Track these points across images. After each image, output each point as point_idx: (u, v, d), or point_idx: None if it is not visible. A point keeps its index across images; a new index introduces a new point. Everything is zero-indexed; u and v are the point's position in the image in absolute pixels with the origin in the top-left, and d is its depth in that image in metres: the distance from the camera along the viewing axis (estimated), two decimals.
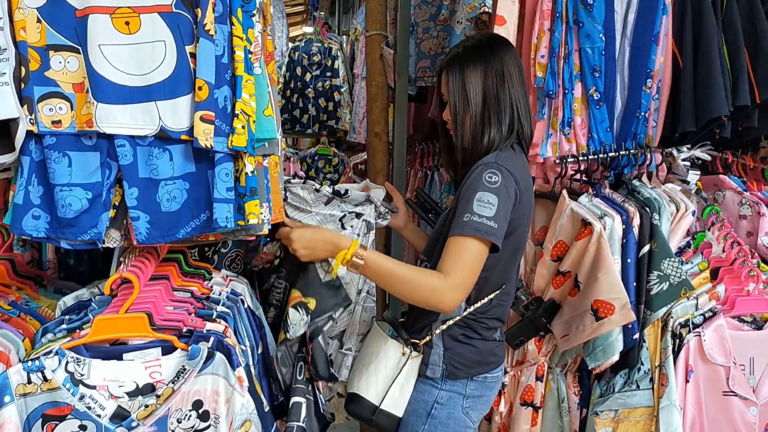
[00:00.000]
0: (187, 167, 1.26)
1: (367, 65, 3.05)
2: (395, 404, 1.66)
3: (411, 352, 1.64)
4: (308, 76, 5.21)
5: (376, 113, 3.06)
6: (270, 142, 1.36)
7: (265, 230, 1.40)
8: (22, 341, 1.33)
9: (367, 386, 1.68)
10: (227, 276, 1.72)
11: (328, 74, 5.23)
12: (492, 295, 1.60)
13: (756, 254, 1.95)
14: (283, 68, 5.27)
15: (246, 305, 1.65)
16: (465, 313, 1.60)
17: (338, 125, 5.21)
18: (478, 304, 1.60)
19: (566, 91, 2.06)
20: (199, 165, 1.26)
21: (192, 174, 1.27)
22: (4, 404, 1.14)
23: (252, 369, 1.54)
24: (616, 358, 1.81)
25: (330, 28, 5.72)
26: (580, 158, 2.08)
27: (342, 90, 5.22)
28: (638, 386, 1.82)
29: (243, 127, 1.24)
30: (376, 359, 1.70)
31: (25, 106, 1.15)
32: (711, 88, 1.95)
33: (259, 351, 1.66)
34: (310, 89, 5.21)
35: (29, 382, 1.17)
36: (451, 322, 1.62)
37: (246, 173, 1.27)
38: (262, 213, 1.29)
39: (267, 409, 1.47)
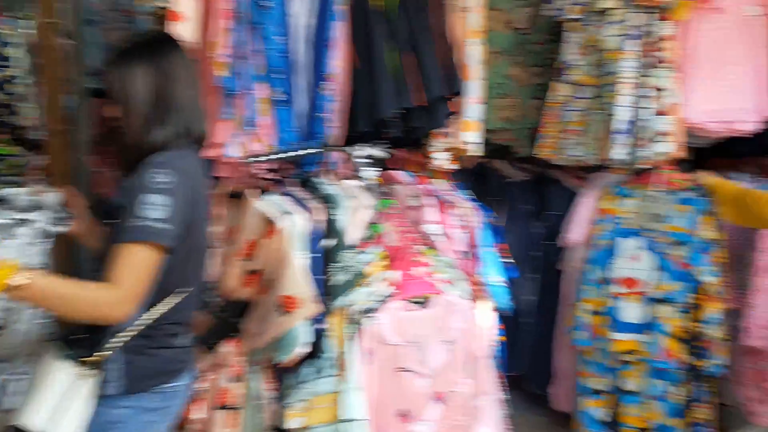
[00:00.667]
0: None
1: (42, 57, 2.77)
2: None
3: (83, 371, 1.51)
4: None
5: (55, 110, 2.79)
6: None
7: None
8: None
9: (32, 416, 1.50)
10: None
11: (3, 63, 4.63)
12: (172, 301, 1.55)
13: (422, 241, 2.18)
14: None
15: None
16: (144, 321, 1.53)
17: (19, 120, 4.64)
18: (157, 311, 1.53)
19: (250, 92, 2.08)
20: None
21: None
22: None
23: None
24: (303, 350, 1.89)
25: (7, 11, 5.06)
26: (267, 158, 2.12)
27: (21, 81, 4.65)
28: (325, 374, 1.93)
29: None
30: (44, 385, 1.53)
31: None
32: (381, 91, 2.14)
33: None
34: None
35: None
36: (131, 333, 1.53)
37: None
38: None
39: None
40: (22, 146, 4.77)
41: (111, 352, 1.51)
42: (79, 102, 2.85)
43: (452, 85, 2.25)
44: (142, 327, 1.53)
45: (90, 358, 1.51)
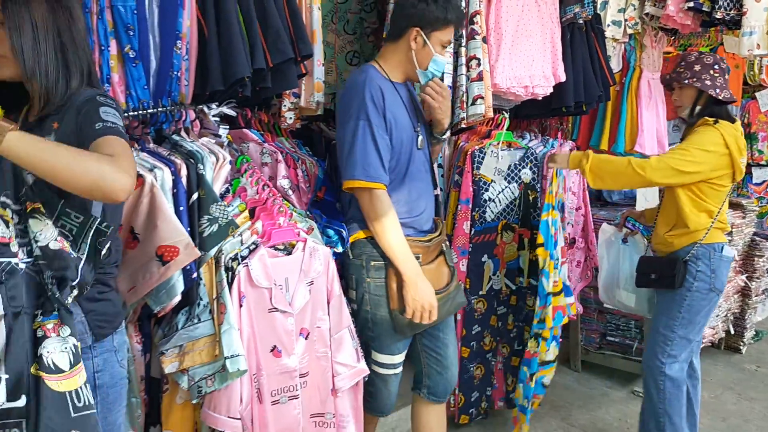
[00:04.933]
0: None
1: None
2: None
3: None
4: None
5: None
6: None
7: None
8: None
9: None
10: None
11: None
12: (109, 242, 1.56)
13: (278, 194, 2.34)
14: None
15: None
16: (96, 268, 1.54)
17: None
18: (104, 253, 1.54)
19: (102, 48, 2.07)
20: None
21: None
22: None
23: None
24: (178, 298, 1.98)
25: None
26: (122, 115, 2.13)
27: None
28: (200, 319, 2.03)
29: None
30: None
31: None
32: (234, 52, 2.23)
33: None
34: None
35: None
36: (87, 283, 1.52)
37: None
38: None
39: None
40: None
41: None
42: None
43: (302, 48, 2.41)
44: (95, 274, 1.53)
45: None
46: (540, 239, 2.95)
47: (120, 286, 2.00)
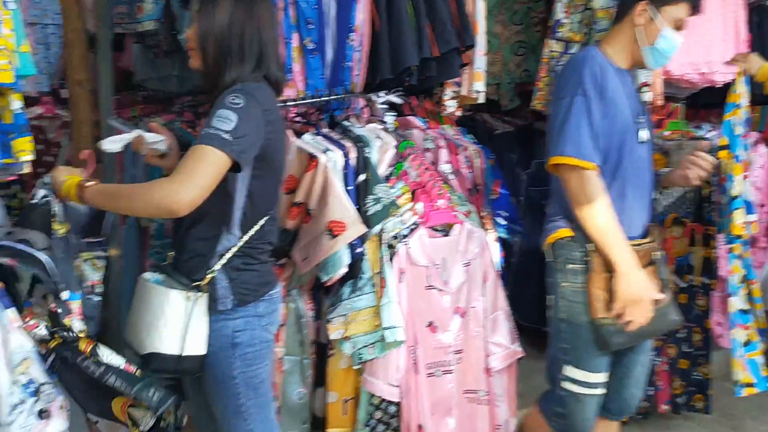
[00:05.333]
0: None
1: (63, 9, 2.90)
2: (196, 346, 1.70)
3: (195, 294, 1.68)
4: None
5: (76, 61, 2.93)
6: (28, 80, 1.33)
7: (26, 169, 1.38)
8: None
9: (160, 342, 1.69)
10: None
11: None
12: (262, 221, 1.75)
13: (439, 178, 2.44)
14: None
15: None
16: (241, 243, 1.72)
17: None
18: (252, 232, 1.73)
19: (286, 41, 2.29)
20: None
21: None
22: None
23: None
24: (344, 270, 2.14)
25: None
26: (300, 102, 2.35)
27: None
28: (363, 292, 2.19)
29: (9, 63, 1.21)
30: (160, 314, 1.70)
31: None
32: (403, 42, 2.36)
33: None
34: None
35: None
36: (229, 254, 1.72)
37: (13, 110, 1.24)
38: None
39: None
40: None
41: (216, 274, 1.71)
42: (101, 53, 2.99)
43: (465, 38, 2.48)
44: (241, 248, 1.73)
45: (198, 282, 1.70)
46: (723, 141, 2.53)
47: (295, 257, 2.21)
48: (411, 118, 2.64)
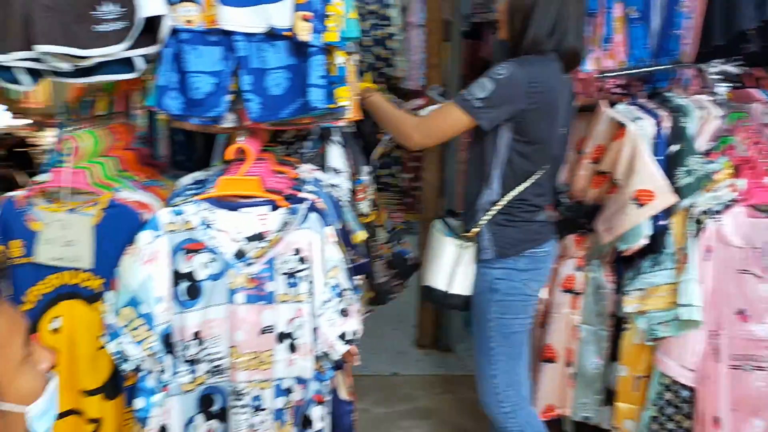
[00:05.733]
0: (289, 59, 1.58)
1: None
2: (461, 287, 2.00)
3: (464, 243, 1.97)
4: (365, 25, 5.43)
5: (432, 47, 3.34)
6: (353, 42, 1.67)
7: (348, 116, 1.73)
8: (160, 203, 1.70)
9: (434, 278, 2.03)
10: (312, 168, 2.05)
11: (384, 22, 5.43)
12: (526, 183, 1.89)
13: None
14: None
15: (325, 190, 1.98)
16: (503, 201, 1.90)
17: (394, 72, 5.43)
18: (514, 192, 1.89)
19: (607, 10, 2.29)
20: (299, 57, 1.58)
21: (293, 65, 1.59)
22: (158, 237, 1.51)
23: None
24: (644, 241, 2.08)
25: None
26: (619, 73, 2.33)
27: (396, 38, 5.42)
28: (663, 266, 2.09)
29: (335, 26, 1.55)
30: (437, 256, 2.03)
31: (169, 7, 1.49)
32: (738, 3, 2.16)
33: (339, 227, 2.00)
34: (366, 38, 5.41)
35: (173, 222, 1.53)
36: (493, 211, 1.92)
37: (336, 64, 1.58)
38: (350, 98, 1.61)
39: (348, 265, 1.80)
40: (394, 95, 5.63)
41: (481, 226, 1.93)
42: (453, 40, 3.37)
43: None
44: (503, 206, 1.91)
45: (467, 233, 1.96)
46: None
47: (597, 225, 2.23)
48: (752, 90, 2.38)
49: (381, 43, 5.34)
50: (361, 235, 2.03)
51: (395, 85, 5.65)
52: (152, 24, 1.49)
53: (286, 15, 1.54)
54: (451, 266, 2.01)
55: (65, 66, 1.48)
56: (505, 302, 1.93)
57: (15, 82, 1.52)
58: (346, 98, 1.59)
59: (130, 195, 1.62)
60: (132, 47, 1.47)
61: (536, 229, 1.97)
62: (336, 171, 2.04)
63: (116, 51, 1.47)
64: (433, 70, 3.40)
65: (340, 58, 1.58)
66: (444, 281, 2.02)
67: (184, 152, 2.17)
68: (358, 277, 2.02)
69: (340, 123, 1.82)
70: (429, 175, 3.44)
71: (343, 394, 1.83)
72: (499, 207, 1.92)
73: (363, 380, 2.96)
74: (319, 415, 1.69)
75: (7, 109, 4.16)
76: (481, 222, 1.94)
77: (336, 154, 2.04)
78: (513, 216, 1.94)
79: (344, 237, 1.99)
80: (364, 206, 2.13)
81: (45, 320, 1.60)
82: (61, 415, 1.60)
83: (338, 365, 1.77)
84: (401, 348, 3.49)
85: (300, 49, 1.57)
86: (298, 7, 1.52)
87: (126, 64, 1.52)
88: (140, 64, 1.53)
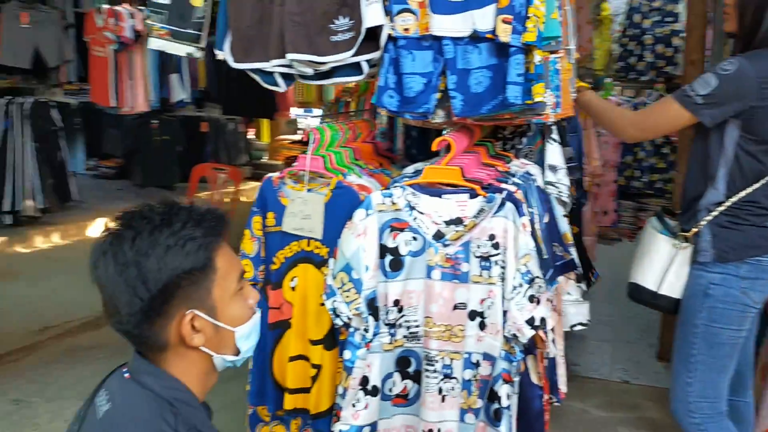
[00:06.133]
0: (490, 59, 1.73)
1: None
2: (672, 288, 1.95)
3: (680, 243, 1.91)
4: (647, 23, 5.23)
5: (693, 42, 3.17)
6: (556, 41, 1.74)
7: (549, 115, 1.80)
8: (380, 188, 1.96)
9: (644, 276, 2.01)
10: (524, 162, 2.16)
11: (669, 19, 5.17)
12: (756, 185, 1.76)
13: None
14: (621, 16, 5.38)
15: (536, 184, 2.07)
16: (728, 202, 1.80)
17: (676, 71, 5.14)
18: (742, 193, 1.78)
19: None
20: (499, 57, 1.71)
21: (494, 65, 1.73)
22: (369, 215, 1.77)
23: (537, 231, 1.97)
24: None
25: None
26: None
27: (682, 35, 5.13)
28: None
29: (533, 26, 1.65)
30: (649, 253, 2.00)
31: (387, 18, 1.74)
32: None
33: (545, 220, 2.07)
34: (647, 36, 5.21)
35: (383, 203, 1.78)
36: (716, 212, 1.82)
37: (534, 63, 1.68)
38: (546, 95, 1.69)
39: (546, 257, 1.88)
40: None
41: (701, 227, 1.85)
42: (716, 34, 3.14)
43: None
44: (728, 206, 1.81)
45: (685, 233, 1.90)
46: None
47: None
48: None
49: (664, 41, 5.10)
50: (570, 234, 2.08)
51: (677, 85, 5.34)
52: (374, 33, 1.75)
53: (489, 19, 1.68)
54: (664, 266, 1.96)
55: (308, 70, 1.81)
56: (717, 309, 1.83)
57: (274, 84, 1.90)
58: (541, 95, 1.68)
59: (355, 180, 1.92)
60: (357, 53, 1.75)
61: (760, 233, 1.82)
62: (553, 168, 2.12)
63: (346, 57, 1.76)
64: (691, 67, 3.22)
65: (537, 57, 1.67)
66: (654, 281, 1.99)
67: (417, 146, 2.43)
68: (566, 274, 2.09)
69: (550, 120, 1.91)
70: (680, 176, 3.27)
71: (535, 379, 1.91)
72: (724, 208, 1.83)
73: (591, 383, 2.96)
74: (506, 392, 1.80)
75: None
76: (701, 222, 1.87)
77: (553, 151, 2.12)
78: (739, 218, 1.83)
79: (553, 232, 2.07)
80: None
81: (287, 279, 1.96)
82: (293, 359, 1.96)
83: (529, 350, 1.86)
84: (640, 358, 3.36)
85: (501, 50, 1.71)
86: (500, 11, 1.66)
87: (355, 68, 1.81)
88: (366, 67, 1.80)
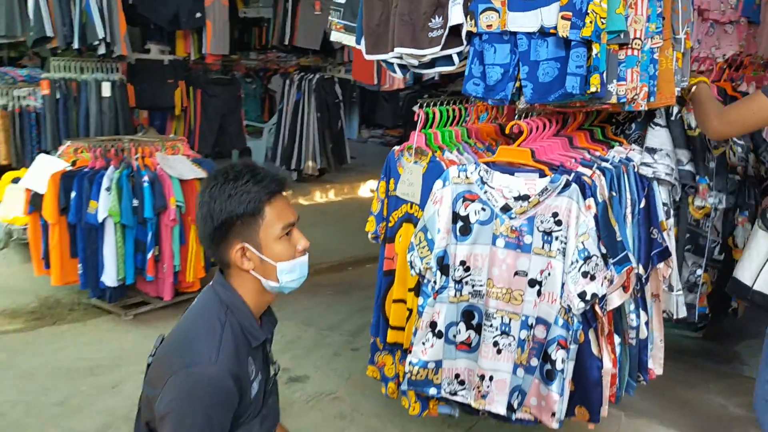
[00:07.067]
0: (557, 52, 1.89)
1: None
2: (766, 284, 1.92)
3: None
4: None
5: None
6: (623, 34, 1.83)
7: (640, 104, 1.91)
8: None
9: (742, 271, 2.00)
10: (632, 148, 2.23)
11: None
12: None
13: None
14: None
15: (636, 169, 2.15)
16: None
17: None
18: None
19: None
20: (565, 50, 1.87)
21: (560, 57, 1.89)
22: (445, 186, 2.08)
23: (629, 215, 2.07)
24: None
25: None
26: None
27: None
28: None
29: (591, 22, 1.78)
30: (749, 248, 1.99)
31: (468, 16, 2.00)
32: None
33: (641, 205, 2.15)
34: None
35: (458, 176, 2.07)
36: None
37: (592, 56, 1.81)
38: (601, 85, 1.81)
39: (619, 239, 1.98)
40: None
41: None
42: None
43: None
44: None
45: None
46: None
47: None
48: None
49: None
50: (666, 223, 2.13)
51: None
52: (458, 30, 2.03)
53: (554, 15, 1.85)
54: (761, 262, 1.93)
55: (414, 61, 2.17)
56: None
57: (394, 72, 2.29)
58: (596, 85, 1.80)
59: (448, 155, 2.22)
60: (445, 47, 2.05)
61: None
62: (651, 150, 2.16)
63: (437, 51, 2.07)
64: None
65: (594, 50, 1.80)
66: (750, 276, 1.96)
67: None
68: (662, 262, 2.14)
69: (641, 108, 1.99)
70: None
71: (594, 351, 2.03)
72: None
73: (747, 382, 2.83)
74: (560, 357, 1.98)
75: None
76: None
77: (653, 135, 2.16)
78: None
79: (650, 217, 2.13)
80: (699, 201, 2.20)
81: (397, 235, 2.36)
82: (395, 301, 2.36)
83: (589, 323, 2.00)
84: None
85: (566, 44, 1.86)
86: (562, 8, 1.82)
87: (449, 59, 2.11)
88: (456, 60, 2.10)
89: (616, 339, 2.12)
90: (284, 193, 1.58)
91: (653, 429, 2.57)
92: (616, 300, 2.00)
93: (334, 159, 7.69)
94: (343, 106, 7.68)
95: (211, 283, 1.64)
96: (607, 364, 2.05)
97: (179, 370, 1.43)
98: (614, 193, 2.05)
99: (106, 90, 5.07)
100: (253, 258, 1.55)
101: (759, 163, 2.63)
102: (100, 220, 3.47)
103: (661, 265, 2.19)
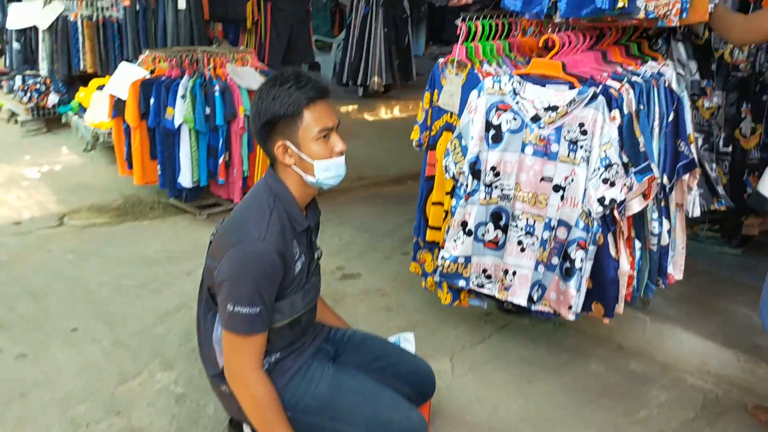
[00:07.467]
0: None
1: None
2: None
3: None
4: None
5: None
6: None
7: (672, 20, 2.00)
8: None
9: (764, 184, 2.09)
10: (665, 63, 2.31)
11: None
12: None
13: None
14: None
15: (666, 84, 2.24)
16: None
17: None
18: None
19: None
20: None
21: None
22: (480, 96, 2.23)
23: (656, 128, 2.19)
24: None
25: None
26: None
27: None
28: None
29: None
30: None
31: None
32: None
33: (670, 119, 2.25)
34: None
35: (492, 87, 2.22)
36: None
37: None
38: (629, 0, 1.91)
39: (642, 149, 2.11)
40: None
41: None
42: None
43: None
44: None
45: None
46: None
47: None
48: None
49: None
50: (693, 136, 2.23)
51: None
52: None
53: None
54: None
55: None
56: None
57: None
58: (625, 1, 1.90)
59: (486, 68, 2.36)
60: None
61: None
62: (680, 62, 2.25)
63: None
64: None
65: None
66: None
67: None
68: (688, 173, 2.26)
69: (673, 23, 2.07)
70: None
71: (612, 252, 2.20)
72: None
73: None
74: (579, 257, 2.17)
75: None
76: None
77: (677, 48, 2.24)
78: None
79: (678, 131, 2.24)
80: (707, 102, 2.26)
81: (439, 142, 2.55)
82: (435, 204, 2.58)
83: (608, 227, 2.16)
84: None
85: None
86: None
87: None
88: None
89: (637, 244, 2.27)
90: (325, 100, 1.77)
91: (676, 333, 2.73)
92: (635, 206, 2.14)
93: (399, 75, 7.77)
94: (411, 22, 7.69)
95: (264, 175, 1.88)
96: (624, 266, 2.22)
97: (234, 245, 1.70)
98: (642, 106, 2.15)
99: (182, 2, 5.30)
100: (293, 154, 1.77)
101: None
102: (176, 125, 3.79)
103: (686, 177, 2.30)
